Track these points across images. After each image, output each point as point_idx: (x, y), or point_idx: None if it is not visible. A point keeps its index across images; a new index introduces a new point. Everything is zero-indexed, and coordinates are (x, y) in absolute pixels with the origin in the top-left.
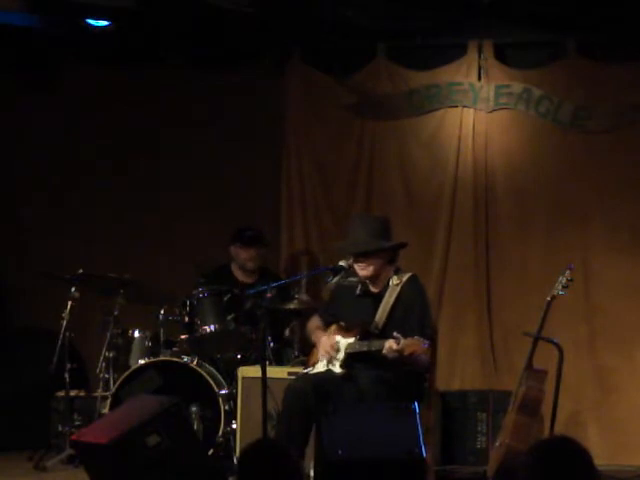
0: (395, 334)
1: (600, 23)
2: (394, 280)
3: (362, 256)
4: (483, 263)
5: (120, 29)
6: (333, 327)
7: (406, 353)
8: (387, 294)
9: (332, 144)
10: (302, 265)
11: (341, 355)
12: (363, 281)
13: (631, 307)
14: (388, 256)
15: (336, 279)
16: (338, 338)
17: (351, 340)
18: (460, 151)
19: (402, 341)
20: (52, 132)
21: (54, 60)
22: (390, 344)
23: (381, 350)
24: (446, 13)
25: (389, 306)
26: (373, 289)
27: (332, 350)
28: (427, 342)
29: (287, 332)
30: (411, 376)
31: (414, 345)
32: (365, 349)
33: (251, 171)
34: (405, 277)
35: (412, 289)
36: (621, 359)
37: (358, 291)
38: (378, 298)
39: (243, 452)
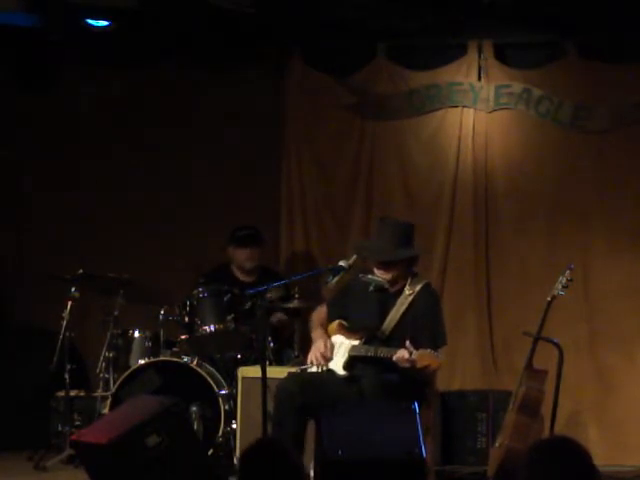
0: (407, 344)
1: (600, 23)
2: (407, 289)
3: (384, 263)
4: (483, 263)
5: (120, 29)
6: (336, 324)
7: (419, 365)
8: (399, 301)
9: (332, 144)
10: (302, 265)
11: (344, 357)
12: (379, 279)
13: (631, 307)
14: (409, 263)
15: (336, 279)
16: (341, 339)
17: (355, 342)
18: (460, 151)
19: (414, 352)
20: (52, 132)
21: (54, 60)
22: (402, 354)
23: (387, 357)
24: (446, 13)
25: (399, 314)
26: (389, 288)
27: (322, 359)
28: (440, 355)
29: (274, 320)
30: (413, 379)
31: (428, 359)
32: (371, 354)
33: (251, 171)
34: (418, 286)
35: (425, 299)
36: (621, 359)
37: (372, 287)
38: (390, 298)
39: (244, 452)
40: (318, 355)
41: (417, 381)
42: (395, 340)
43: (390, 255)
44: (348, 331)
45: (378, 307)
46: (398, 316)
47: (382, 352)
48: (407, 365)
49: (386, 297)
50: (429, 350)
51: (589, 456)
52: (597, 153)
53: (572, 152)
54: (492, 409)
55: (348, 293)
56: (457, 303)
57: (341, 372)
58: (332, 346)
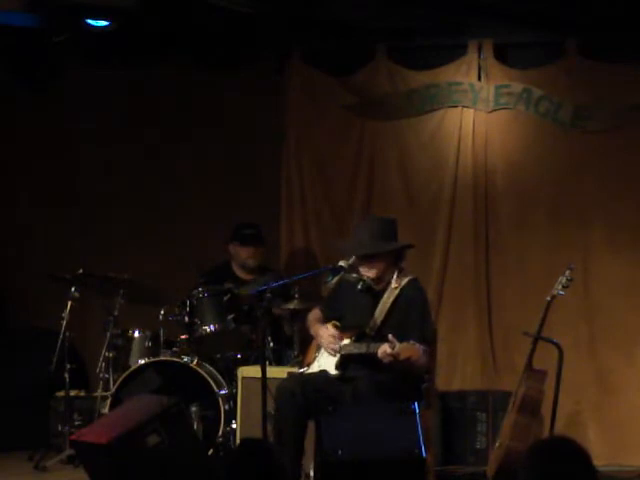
0: (390, 337)
1: (600, 23)
2: (393, 283)
3: (366, 258)
4: (483, 263)
5: (120, 29)
6: (329, 326)
7: (401, 358)
8: (385, 296)
9: (332, 144)
10: (302, 265)
11: (337, 357)
12: (364, 278)
13: (631, 307)
14: (392, 257)
15: (336, 279)
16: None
17: (346, 341)
18: (460, 151)
19: (397, 345)
20: (52, 132)
21: (54, 60)
22: (384, 348)
23: (375, 352)
24: (446, 13)
25: (386, 308)
26: (375, 286)
27: (334, 342)
28: (422, 346)
29: (287, 329)
30: (408, 378)
31: (409, 350)
32: (361, 351)
33: (251, 171)
34: (405, 280)
35: (411, 292)
36: (621, 359)
37: (360, 286)
38: (378, 296)
39: (228, 454)
40: (329, 340)
41: (412, 380)
42: (385, 334)
43: (368, 249)
44: (340, 331)
45: (367, 304)
46: (385, 310)
47: (371, 348)
48: (390, 359)
49: (375, 294)
50: (411, 342)
51: (588, 456)
52: (597, 153)
53: (572, 152)
54: (492, 409)
55: (339, 293)
56: (457, 303)
57: (333, 372)
58: (333, 331)
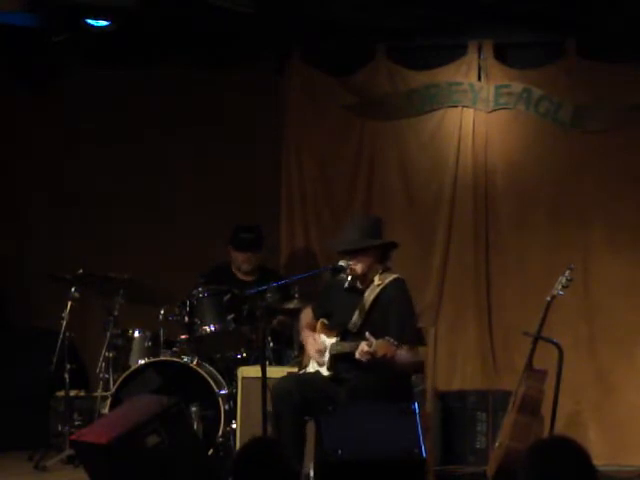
0: (367, 335)
1: (600, 23)
2: (376, 280)
3: (348, 254)
4: (483, 263)
5: (120, 29)
6: (319, 325)
7: (379, 355)
8: (367, 293)
9: (332, 144)
10: (302, 265)
11: (326, 357)
12: (350, 276)
13: (631, 307)
14: (377, 255)
15: (328, 278)
16: (323, 338)
17: (333, 340)
18: (460, 151)
19: (374, 343)
20: (52, 132)
21: (54, 60)
22: (362, 346)
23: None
24: (446, 13)
25: (367, 306)
26: (359, 285)
27: (319, 355)
28: (396, 342)
29: (275, 322)
30: (400, 378)
31: (384, 347)
32: (347, 350)
33: (251, 171)
34: (389, 278)
35: (394, 291)
36: (621, 359)
37: (346, 285)
38: (363, 294)
39: (238, 452)
40: (314, 354)
41: (399, 380)
42: (366, 332)
43: (350, 244)
44: (328, 329)
45: (352, 303)
46: (367, 307)
47: (357, 346)
48: (368, 357)
49: (360, 292)
50: (386, 338)
51: (588, 456)
52: (597, 153)
53: (572, 152)
54: (492, 409)
55: (328, 292)
56: (457, 303)
57: (325, 373)
58: (321, 342)
